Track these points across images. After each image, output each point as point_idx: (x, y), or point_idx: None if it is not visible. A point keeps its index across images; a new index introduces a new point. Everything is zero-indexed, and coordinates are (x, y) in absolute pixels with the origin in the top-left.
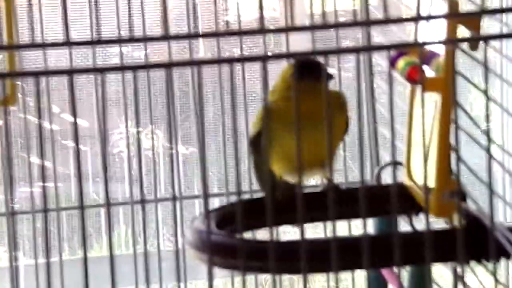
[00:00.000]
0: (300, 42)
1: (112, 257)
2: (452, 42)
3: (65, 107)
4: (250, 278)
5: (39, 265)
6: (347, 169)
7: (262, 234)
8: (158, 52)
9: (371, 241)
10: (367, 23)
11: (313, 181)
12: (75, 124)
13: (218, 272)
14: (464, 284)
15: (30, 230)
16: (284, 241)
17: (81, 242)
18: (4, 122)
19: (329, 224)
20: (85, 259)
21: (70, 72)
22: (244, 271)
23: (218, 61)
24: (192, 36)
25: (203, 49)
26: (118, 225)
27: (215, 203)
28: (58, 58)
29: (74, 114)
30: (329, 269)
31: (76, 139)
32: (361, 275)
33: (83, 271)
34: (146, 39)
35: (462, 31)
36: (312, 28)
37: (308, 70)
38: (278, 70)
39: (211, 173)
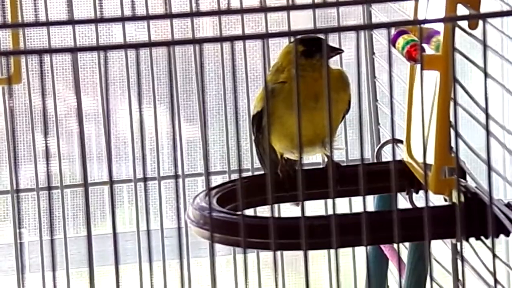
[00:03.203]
0: (301, 21)
1: (115, 235)
2: (451, 20)
3: (68, 86)
4: (252, 256)
5: (44, 242)
6: (348, 147)
7: (263, 212)
8: (161, 32)
9: (371, 218)
10: (368, 1)
11: (314, 158)
12: (78, 102)
13: (220, 249)
14: (463, 260)
15: (34, 207)
16: (285, 217)
17: (85, 220)
18: (9, 100)
19: (329, 201)
20: (89, 236)
21: (74, 50)
22: (245, 248)
23: (220, 39)
24: (194, 14)
25: (205, 28)
26: (121, 203)
27: (217, 181)
28: (61, 38)
29: (77, 92)
30: (330, 246)
31: (80, 118)
32: (361, 251)
33: (87, 248)
34: (148, 17)
35: (461, 9)
36: (313, 6)
37: (313, 47)
38: (279, 48)
39: (213, 151)
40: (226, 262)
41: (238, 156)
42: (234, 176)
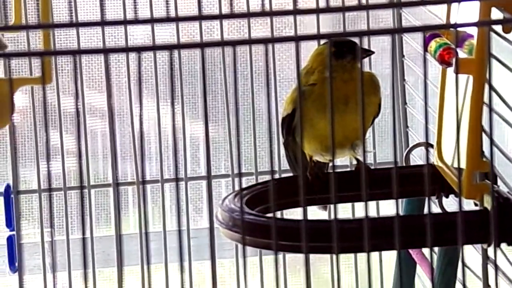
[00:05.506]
0: (327, 23)
1: (143, 234)
2: (485, 24)
3: (91, 86)
4: (270, 258)
5: (71, 240)
6: (376, 150)
7: (288, 214)
8: (188, 33)
9: (403, 221)
10: (399, 4)
11: (340, 161)
12: (109, 101)
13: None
14: (497, 266)
15: (59, 207)
16: (317, 220)
17: (108, 219)
18: (43, 100)
19: (359, 204)
20: (118, 236)
21: (106, 51)
22: (276, 251)
23: (251, 41)
24: (224, 16)
25: (226, 30)
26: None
27: (242, 183)
28: (88, 38)
29: (108, 92)
30: (361, 249)
31: (112, 118)
32: (387, 255)
33: (117, 248)
34: (178, 19)
35: (496, 13)
36: (344, 9)
37: (345, 49)
38: (306, 51)
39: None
40: (250, 263)
41: (271, 158)
42: (261, 178)
